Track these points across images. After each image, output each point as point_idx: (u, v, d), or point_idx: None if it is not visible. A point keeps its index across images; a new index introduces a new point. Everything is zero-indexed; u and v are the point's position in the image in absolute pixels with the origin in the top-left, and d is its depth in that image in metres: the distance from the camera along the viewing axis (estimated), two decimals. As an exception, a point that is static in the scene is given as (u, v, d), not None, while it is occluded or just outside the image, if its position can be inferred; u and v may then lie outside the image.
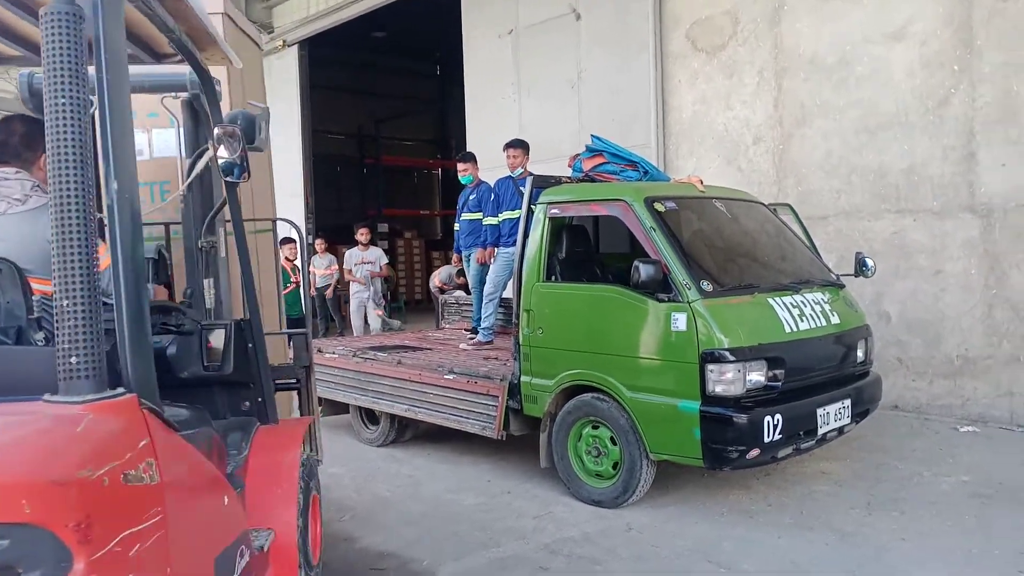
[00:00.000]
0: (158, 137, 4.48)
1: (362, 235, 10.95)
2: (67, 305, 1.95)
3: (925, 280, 7.00)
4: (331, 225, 15.77)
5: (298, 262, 10.31)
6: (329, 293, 11.86)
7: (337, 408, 7.04)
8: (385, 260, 11.13)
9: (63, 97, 1.92)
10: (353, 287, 10.87)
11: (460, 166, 7.71)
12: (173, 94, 3.64)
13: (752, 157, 8.10)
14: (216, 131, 3.07)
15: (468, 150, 8.26)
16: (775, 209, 6.16)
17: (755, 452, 4.46)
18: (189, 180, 3.76)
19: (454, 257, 7.88)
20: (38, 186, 2.78)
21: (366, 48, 17.56)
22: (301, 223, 13.86)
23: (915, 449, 5.98)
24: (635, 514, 4.81)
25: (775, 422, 4.47)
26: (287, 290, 10.70)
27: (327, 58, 15.48)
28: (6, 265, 2.52)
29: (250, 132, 3.24)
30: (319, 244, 12.21)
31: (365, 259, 10.75)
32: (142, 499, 1.96)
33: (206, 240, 3.56)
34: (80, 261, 1.96)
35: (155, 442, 2.06)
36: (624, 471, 4.87)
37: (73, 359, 1.95)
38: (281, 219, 4.55)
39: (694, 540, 4.40)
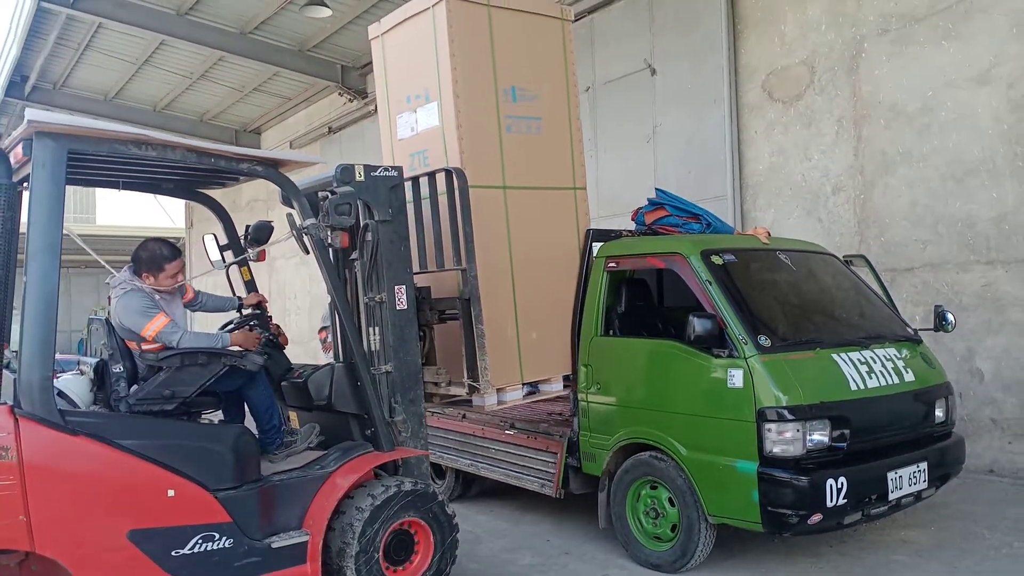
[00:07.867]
0: (422, 112, 5.16)
1: None
2: None
3: (1020, 335, 6.52)
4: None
5: None
6: None
7: (407, 462, 7.07)
8: None
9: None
10: None
11: None
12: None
13: (832, 208, 7.84)
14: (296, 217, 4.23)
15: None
16: (849, 261, 5.92)
17: (817, 517, 4.23)
18: (257, 250, 4.75)
19: None
20: (130, 281, 4.17)
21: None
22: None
23: (1007, 517, 5.50)
24: (694, 580, 4.62)
25: (839, 486, 4.24)
26: None
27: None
28: (107, 323, 4.12)
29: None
30: None
31: None
32: None
33: (367, 297, 4.36)
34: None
35: (20, 436, 3.21)
36: (682, 534, 4.69)
37: None
38: None
39: (752, 610, 4.18)
